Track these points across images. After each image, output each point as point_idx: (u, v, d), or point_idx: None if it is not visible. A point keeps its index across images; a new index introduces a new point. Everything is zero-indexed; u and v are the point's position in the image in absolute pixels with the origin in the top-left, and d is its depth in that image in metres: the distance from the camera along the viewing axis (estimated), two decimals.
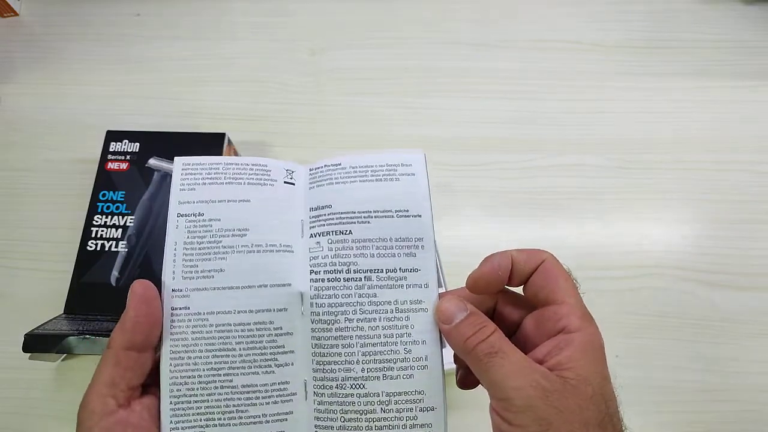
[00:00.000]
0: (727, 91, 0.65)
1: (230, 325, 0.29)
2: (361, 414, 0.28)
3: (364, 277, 0.29)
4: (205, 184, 0.31)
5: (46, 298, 0.54)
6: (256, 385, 0.28)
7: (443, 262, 0.50)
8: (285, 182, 0.32)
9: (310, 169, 0.33)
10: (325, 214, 0.31)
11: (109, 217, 0.55)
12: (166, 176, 0.55)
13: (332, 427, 0.28)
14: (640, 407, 0.51)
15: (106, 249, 0.53)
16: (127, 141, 0.58)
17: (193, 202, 0.30)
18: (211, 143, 0.58)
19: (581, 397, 0.23)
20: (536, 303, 0.27)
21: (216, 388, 0.28)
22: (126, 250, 0.53)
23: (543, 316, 0.27)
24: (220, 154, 0.57)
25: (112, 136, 0.58)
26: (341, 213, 0.30)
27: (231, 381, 0.28)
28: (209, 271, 0.29)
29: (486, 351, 0.24)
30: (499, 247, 0.58)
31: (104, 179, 0.56)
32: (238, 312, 0.29)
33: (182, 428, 0.28)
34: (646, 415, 0.51)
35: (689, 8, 0.71)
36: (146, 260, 0.52)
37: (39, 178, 0.63)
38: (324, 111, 0.66)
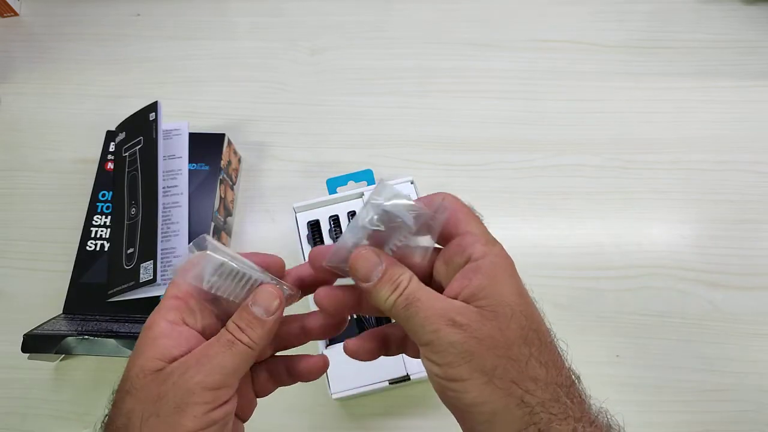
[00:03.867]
0: (727, 91, 0.65)
1: None
2: None
3: None
4: None
5: (46, 298, 0.54)
6: None
7: None
8: None
9: None
10: None
11: (109, 217, 0.55)
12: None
13: None
14: (641, 407, 0.51)
15: (106, 249, 0.53)
16: None
17: None
18: (211, 143, 0.58)
19: (500, 320, 0.23)
20: (443, 242, 0.27)
21: None
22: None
23: (450, 251, 0.26)
24: (219, 154, 0.57)
25: (112, 136, 0.58)
26: None
27: None
28: None
29: (403, 305, 0.25)
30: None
31: (104, 179, 0.56)
32: None
33: None
34: (646, 415, 0.51)
35: (689, 8, 0.71)
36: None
37: (39, 178, 0.63)
38: (324, 111, 0.66)
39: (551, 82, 0.67)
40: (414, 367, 0.47)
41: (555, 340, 0.26)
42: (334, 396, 0.46)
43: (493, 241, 0.27)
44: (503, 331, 0.23)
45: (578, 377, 0.26)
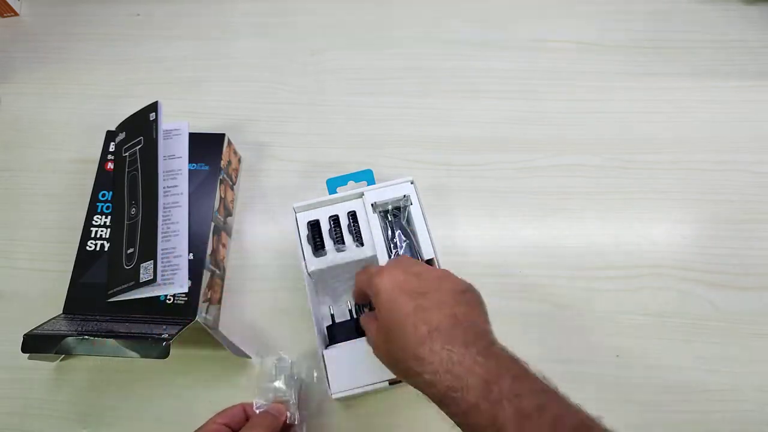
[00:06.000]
0: (727, 91, 0.65)
1: None
2: None
3: None
4: None
5: (46, 298, 0.54)
6: None
7: (441, 261, 0.50)
8: None
9: None
10: None
11: (109, 217, 0.55)
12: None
13: None
14: (641, 407, 0.51)
15: (106, 249, 0.53)
16: None
17: None
18: (211, 143, 0.58)
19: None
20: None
21: None
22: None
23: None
24: (219, 154, 0.57)
25: (112, 136, 0.58)
26: None
27: None
28: None
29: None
30: (498, 247, 0.58)
31: (104, 179, 0.56)
32: None
33: None
34: (646, 415, 0.51)
35: (690, 8, 0.71)
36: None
37: (39, 178, 0.63)
38: (324, 111, 0.66)
39: (551, 82, 0.67)
40: None
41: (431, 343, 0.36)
42: (334, 396, 0.46)
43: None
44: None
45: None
